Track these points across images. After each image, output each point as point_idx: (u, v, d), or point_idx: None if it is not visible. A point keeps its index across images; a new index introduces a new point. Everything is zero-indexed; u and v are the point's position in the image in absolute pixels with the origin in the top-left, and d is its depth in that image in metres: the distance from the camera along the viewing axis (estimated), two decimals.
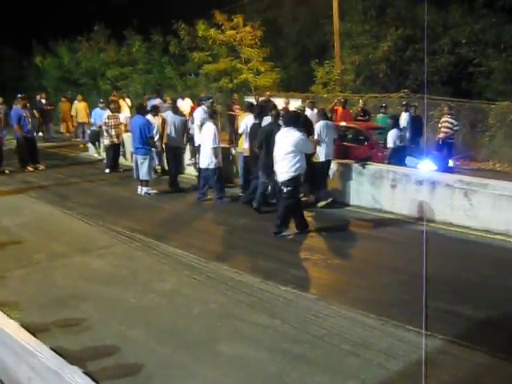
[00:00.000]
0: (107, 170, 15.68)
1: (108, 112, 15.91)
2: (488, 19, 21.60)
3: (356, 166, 11.62)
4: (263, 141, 10.60)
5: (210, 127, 11.73)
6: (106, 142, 16.07)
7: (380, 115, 16.73)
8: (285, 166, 9.31)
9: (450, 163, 14.88)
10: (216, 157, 11.67)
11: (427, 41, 22.58)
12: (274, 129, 10.29)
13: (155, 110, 14.08)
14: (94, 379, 3.75)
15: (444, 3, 23.04)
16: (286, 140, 9.31)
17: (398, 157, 12.41)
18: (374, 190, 11.22)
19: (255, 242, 9.44)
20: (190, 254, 8.47)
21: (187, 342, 5.71)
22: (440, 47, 23.07)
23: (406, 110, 15.86)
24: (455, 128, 16.40)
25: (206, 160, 11.73)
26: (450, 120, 16.28)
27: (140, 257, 8.49)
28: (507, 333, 5.96)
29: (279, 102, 16.10)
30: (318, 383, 4.98)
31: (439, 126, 16.65)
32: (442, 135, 16.29)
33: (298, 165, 9.29)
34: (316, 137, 11.30)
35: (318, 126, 11.44)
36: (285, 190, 9.37)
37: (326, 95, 23.11)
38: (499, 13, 21.32)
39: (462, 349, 5.48)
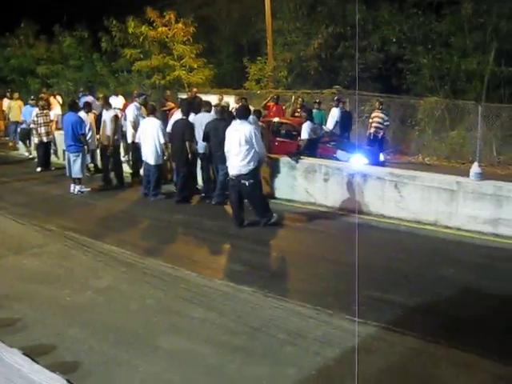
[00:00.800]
0: (38, 169, 15.34)
1: (36, 110, 15.56)
2: (416, 18, 22.23)
3: (289, 161, 11.77)
4: (210, 136, 10.87)
5: (154, 123, 11.75)
6: (35, 140, 15.75)
7: (314, 111, 16.92)
8: (241, 159, 9.36)
9: (381, 157, 15.27)
10: (165, 152, 11.83)
11: (358, 38, 23.11)
12: (219, 124, 10.60)
13: (87, 107, 13.87)
14: (34, 360, 3.73)
15: (373, 2, 23.59)
16: (239, 133, 9.35)
17: (311, 148, 12.48)
18: (308, 184, 11.38)
19: (190, 237, 9.53)
20: (126, 251, 8.42)
21: (125, 337, 5.68)
22: (370, 44, 23.63)
23: (336, 106, 16.22)
24: (386, 123, 16.84)
25: (154, 156, 11.75)
26: (381, 115, 16.70)
27: (75, 255, 8.37)
28: (437, 318, 6.19)
29: (213, 99, 16.14)
30: (257, 373, 5.06)
31: (370, 121, 17.07)
32: (372, 130, 16.70)
33: (254, 156, 9.37)
34: None
35: None
36: (247, 184, 9.44)
37: (259, 91, 23.27)
38: (428, 12, 21.98)
39: (395, 334, 5.67)
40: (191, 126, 11.40)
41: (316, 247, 8.99)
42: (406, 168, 12.21)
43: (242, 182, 9.47)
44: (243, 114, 9.73)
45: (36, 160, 16.00)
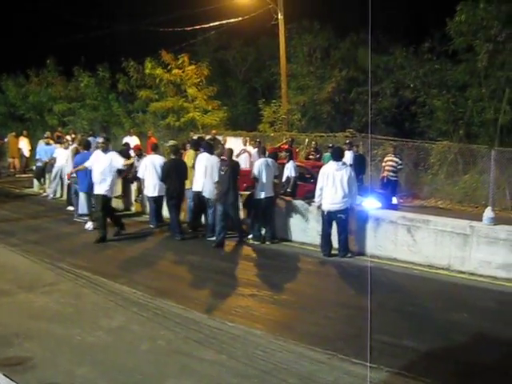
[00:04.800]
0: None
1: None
2: (431, 64, 22.43)
3: (302, 204, 11.79)
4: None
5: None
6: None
7: (327, 154, 17.02)
8: (342, 196, 10.47)
9: (394, 201, 15.24)
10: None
11: (371, 84, 23.34)
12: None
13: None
14: None
15: (387, 47, 23.88)
16: (341, 173, 10.54)
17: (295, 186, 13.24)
18: (320, 227, 11.31)
19: (202, 278, 9.47)
20: (137, 291, 8.40)
21: (135, 378, 5.63)
22: (383, 90, 23.83)
23: (349, 149, 16.27)
24: (399, 167, 16.89)
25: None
26: (395, 159, 16.78)
27: (86, 294, 8.37)
28: (450, 363, 6.10)
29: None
30: None
31: (383, 164, 17.13)
32: (386, 173, 16.74)
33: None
34: (256, 175, 11.49)
35: (257, 164, 11.64)
36: (343, 217, 10.51)
37: (272, 134, 23.46)
38: (442, 58, 22.19)
39: (407, 380, 5.58)
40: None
41: (327, 291, 8.95)
42: (419, 212, 12.23)
43: (339, 215, 10.54)
44: (340, 155, 10.98)
45: (50, 196, 16.09)
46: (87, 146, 13.33)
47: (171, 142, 14.33)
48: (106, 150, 11.93)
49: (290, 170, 13.03)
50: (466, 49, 20.97)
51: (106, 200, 11.84)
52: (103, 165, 11.69)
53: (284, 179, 13.02)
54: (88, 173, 12.22)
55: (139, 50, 25.86)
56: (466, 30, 20.33)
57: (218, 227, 11.42)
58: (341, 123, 24.82)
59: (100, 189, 11.71)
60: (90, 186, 12.30)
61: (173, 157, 12.48)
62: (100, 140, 12.46)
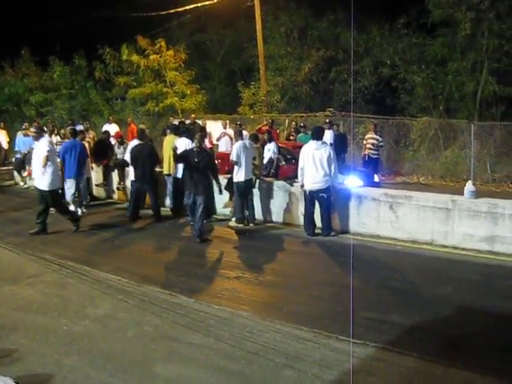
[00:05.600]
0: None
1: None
2: (408, 38, 22.48)
3: (284, 184, 11.80)
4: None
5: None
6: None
7: (301, 134, 17.06)
8: (323, 175, 10.53)
9: (376, 178, 15.28)
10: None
11: (350, 63, 23.37)
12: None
13: (81, 135, 14.00)
14: None
15: (363, 25, 23.86)
16: (320, 152, 10.60)
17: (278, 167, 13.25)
18: (303, 207, 11.35)
19: (187, 263, 9.46)
20: (123, 279, 8.37)
21: (123, 365, 5.63)
22: (362, 68, 23.85)
23: (328, 128, 16.27)
24: (380, 144, 16.91)
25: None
26: (375, 136, 16.79)
27: (71, 284, 8.32)
28: (435, 337, 6.16)
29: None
30: None
31: (364, 142, 17.15)
32: (367, 151, 16.77)
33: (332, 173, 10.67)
34: (234, 158, 11.44)
35: (235, 147, 11.59)
36: (325, 196, 10.60)
37: (252, 116, 23.40)
38: (417, 32, 22.24)
39: (393, 355, 5.63)
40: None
41: (312, 270, 8.98)
42: (401, 188, 12.29)
43: (321, 195, 10.59)
44: (320, 135, 10.99)
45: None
46: (73, 134, 12.98)
47: (140, 126, 14.23)
48: (38, 139, 11.06)
49: (271, 152, 13.00)
50: (444, 22, 21.03)
51: (54, 195, 11.20)
52: (38, 156, 10.91)
53: (266, 160, 12.98)
54: (73, 158, 12.35)
55: (115, 37, 25.59)
56: (444, 2, 20.37)
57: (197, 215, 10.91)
58: (321, 103, 24.82)
59: (43, 184, 10.94)
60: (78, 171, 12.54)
61: (139, 141, 12.42)
62: (32, 129, 11.65)
